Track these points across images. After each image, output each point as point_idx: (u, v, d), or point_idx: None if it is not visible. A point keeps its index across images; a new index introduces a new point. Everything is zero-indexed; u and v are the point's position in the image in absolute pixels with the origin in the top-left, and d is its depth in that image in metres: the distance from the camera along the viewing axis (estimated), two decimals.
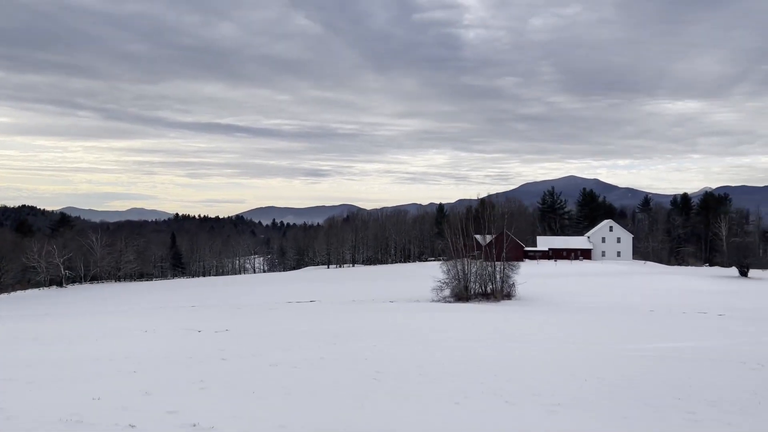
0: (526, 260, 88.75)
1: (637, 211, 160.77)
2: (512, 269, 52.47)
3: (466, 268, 51.44)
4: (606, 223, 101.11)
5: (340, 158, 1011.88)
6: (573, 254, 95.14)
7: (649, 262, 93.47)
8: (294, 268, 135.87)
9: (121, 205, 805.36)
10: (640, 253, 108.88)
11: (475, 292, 50.69)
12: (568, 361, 14.12)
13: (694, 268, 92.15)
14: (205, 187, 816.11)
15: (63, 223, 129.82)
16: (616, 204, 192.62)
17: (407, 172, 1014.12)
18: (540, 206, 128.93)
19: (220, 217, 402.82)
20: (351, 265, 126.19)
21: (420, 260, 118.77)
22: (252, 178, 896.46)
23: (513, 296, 51.04)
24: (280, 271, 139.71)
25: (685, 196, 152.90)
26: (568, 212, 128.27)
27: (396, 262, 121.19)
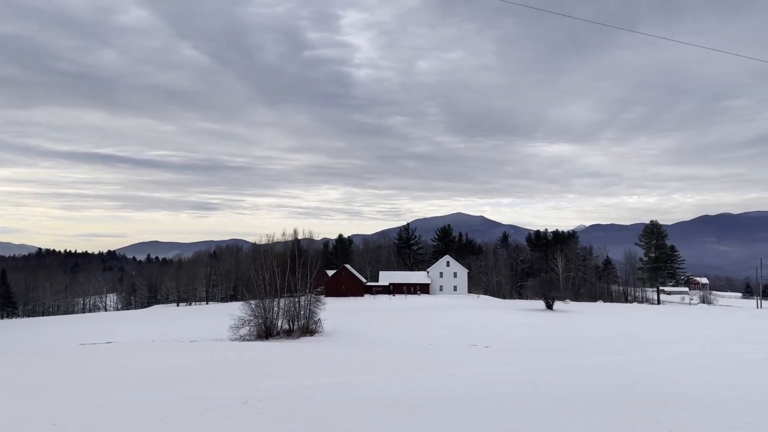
0: (367, 295, 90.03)
1: (498, 246, 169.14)
2: (318, 305, 52.92)
3: (273, 305, 51.02)
4: (444, 258, 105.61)
5: (230, 191, 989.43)
6: (412, 289, 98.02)
7: (483, 296, 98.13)
8: (145, 306, 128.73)
9: None
10: (487, 287, 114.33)
11: (278, 330, 50.23)
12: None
13: (527, 301, 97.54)
14: (83, 220, 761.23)
15: None
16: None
17: (300, 207, 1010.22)
18: (396, 242, 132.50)
19: (90, 252, 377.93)
20: (205, 302, 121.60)
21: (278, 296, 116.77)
22: (135, 211, 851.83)
23: (317, 332, 51.27)
24: (133, 309, 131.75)
25: (537, 233, 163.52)
26: (422, 247, 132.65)
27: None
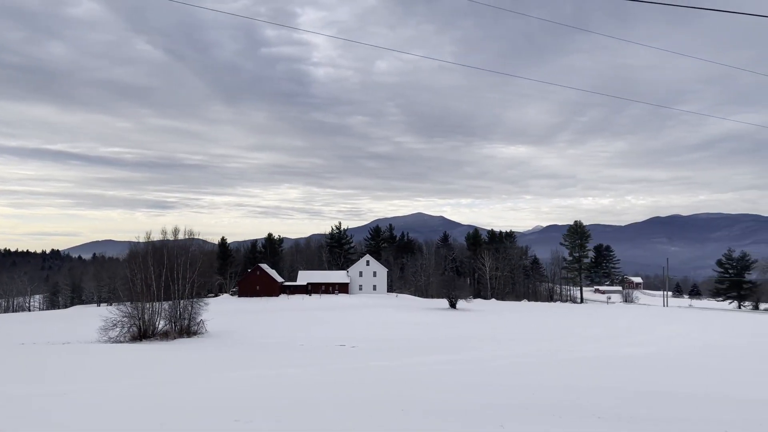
0: (283, 295, 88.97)
1: (439, 246, 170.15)
2: (200, 306, 52.26)
3: (147, 306, 49.85)
4: (364, 258, 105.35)
5: (187, 190, 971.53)
6: (331, 288, 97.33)
7: (402, 295, 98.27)
8: (67, 307, 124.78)
9: None
10: (417, 286, 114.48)
11: (155, 332, 49.17)
12: None
13: (438, 300, 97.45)
14: (33, 218, 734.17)
15: None
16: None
17: (259, 206, 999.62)
18: (328, 241, 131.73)
19: (33, 251, 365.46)
20: (129, 303, 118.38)
21: (199, 297, 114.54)
22: (88, 209, 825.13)
23: (199, 333, 50.63)
24: (56, 309, 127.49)
25: (475, 232, 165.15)
26: (353, 246, 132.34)
27: (174, 299, 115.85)
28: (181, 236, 53.73)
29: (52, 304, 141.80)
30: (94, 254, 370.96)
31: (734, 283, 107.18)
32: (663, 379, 19.60)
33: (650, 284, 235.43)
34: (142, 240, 53.79)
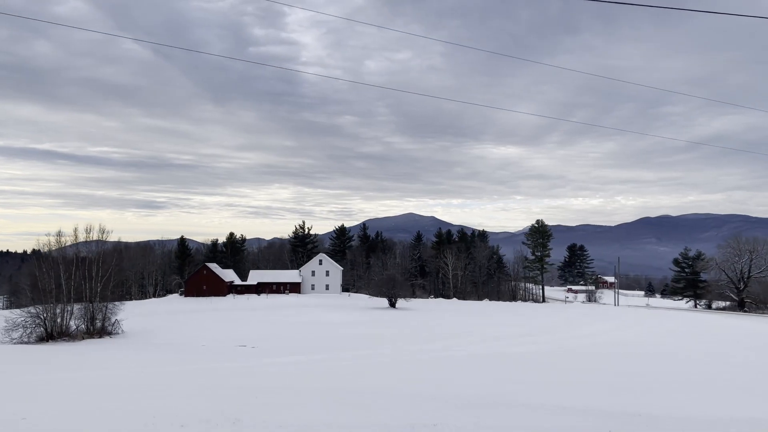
0: (230, 295, 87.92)
1: (412, 245, 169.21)
2: (115, 307, 51.73)
3: (53, 308, 49.20)
4: (317, 257, 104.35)
5: (177, 190, 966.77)
6: (282, 288, 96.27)
7: (356, 295, 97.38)
8: (27, 306, 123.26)
9: None
10: (377, 286, 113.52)
11: (65, 332, 48.51)
12: None
13: (381, 299, 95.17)
14: (22, 218, 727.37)
15: None
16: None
17: (250, 206, 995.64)
18: (292, 240, 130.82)
19: (13, 251, 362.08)
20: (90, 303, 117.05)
21: (157, 296, 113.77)
22: (77, 209, 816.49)
23: (114, 334, 50.11)
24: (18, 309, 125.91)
25: (447, 232, 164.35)
26: (317, 245, 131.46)
27: (134, 299, 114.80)
28: (94, 236, 52.62)
29: (10, 304, 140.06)
30: (75, 254, 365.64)
31: (690, 282, 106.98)
32: (473, 381, 19.02)
33: (627, 284, 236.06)
34: (52, 239, 52.63)
